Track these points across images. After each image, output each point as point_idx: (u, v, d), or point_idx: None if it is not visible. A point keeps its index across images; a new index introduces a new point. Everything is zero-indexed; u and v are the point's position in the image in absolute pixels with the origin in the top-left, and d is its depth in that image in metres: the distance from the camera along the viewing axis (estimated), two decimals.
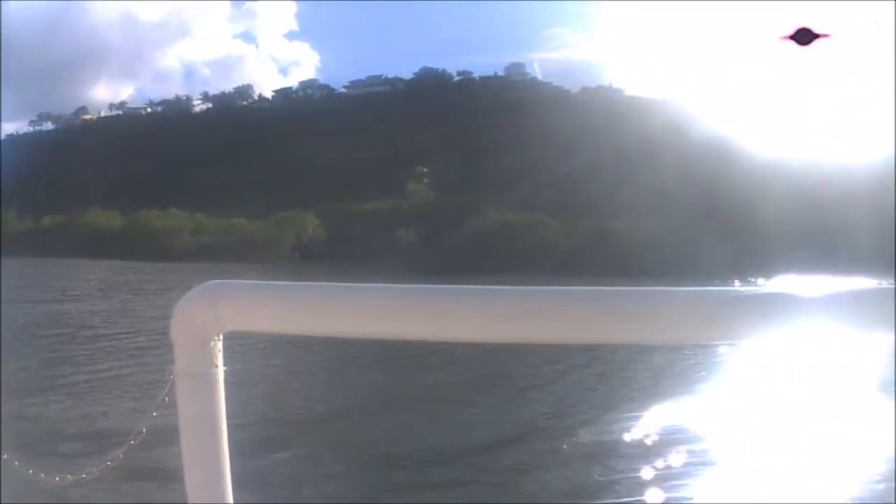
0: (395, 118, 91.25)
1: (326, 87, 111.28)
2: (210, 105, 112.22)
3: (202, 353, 1.56)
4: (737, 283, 36.31)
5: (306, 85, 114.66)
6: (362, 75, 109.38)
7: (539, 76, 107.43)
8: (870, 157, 61.52)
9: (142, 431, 1.75)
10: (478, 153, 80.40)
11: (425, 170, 79.33)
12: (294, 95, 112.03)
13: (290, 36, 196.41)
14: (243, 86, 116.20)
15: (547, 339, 1.53)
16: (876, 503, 7.44)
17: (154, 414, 1.66)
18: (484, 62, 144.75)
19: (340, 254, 54.87)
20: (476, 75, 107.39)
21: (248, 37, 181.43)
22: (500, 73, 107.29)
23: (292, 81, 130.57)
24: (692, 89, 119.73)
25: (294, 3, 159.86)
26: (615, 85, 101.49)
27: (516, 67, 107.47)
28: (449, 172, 74.47)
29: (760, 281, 38.12)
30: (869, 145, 67.52)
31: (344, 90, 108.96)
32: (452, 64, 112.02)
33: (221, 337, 1.58)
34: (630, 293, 1.46)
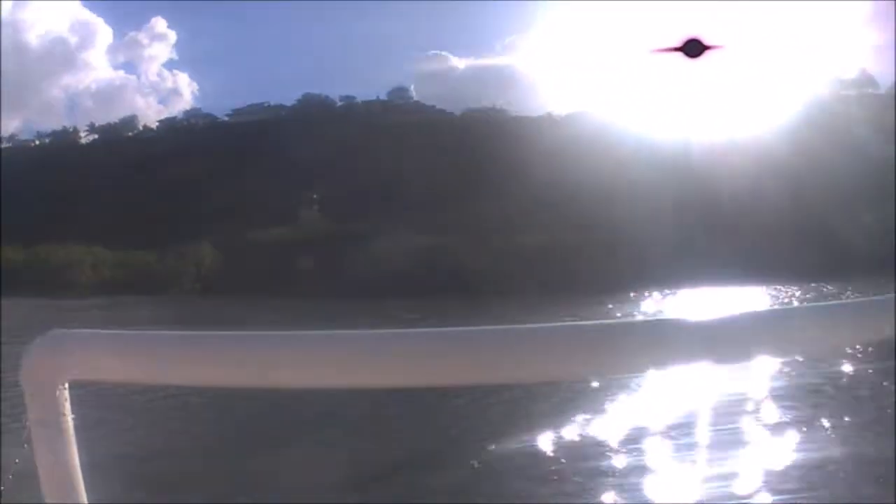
0: (280, 145, 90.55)
1: (210, 115, 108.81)
2: (96, 136, 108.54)
3: (49, 402, 1.60)
4: (643, 299, 38.62)
5: (190, 114, 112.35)
6: (244, 103, 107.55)
7: (420, 100, 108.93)
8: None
9: (9, 477, 1.79)
10: (367, 177, 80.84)
11: (315, 196, 79.72)
12: (178, 125, 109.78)
13: (170, 65, 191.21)
14: (128, 116, 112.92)
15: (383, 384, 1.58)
16: (876, 503, 7.63)
17: (17, 461, 1.65)
18: (366, 86, 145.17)
19: (240, 285, 54.91)
20: (359, 100, 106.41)
21: (130, 67, 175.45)
22: (383, 97, 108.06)
23: (174, 111, 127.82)
24: (578, 105, 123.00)
25: (173, 32, 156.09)
26: (499, 105, 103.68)
27: (399, 91, 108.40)
28: (340, 198, 74.76)
29: (660, 295, 40.25)
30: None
31: (227, 118, 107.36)
32: (335, 89, 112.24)
33: (67, 385, 1.62)
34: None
